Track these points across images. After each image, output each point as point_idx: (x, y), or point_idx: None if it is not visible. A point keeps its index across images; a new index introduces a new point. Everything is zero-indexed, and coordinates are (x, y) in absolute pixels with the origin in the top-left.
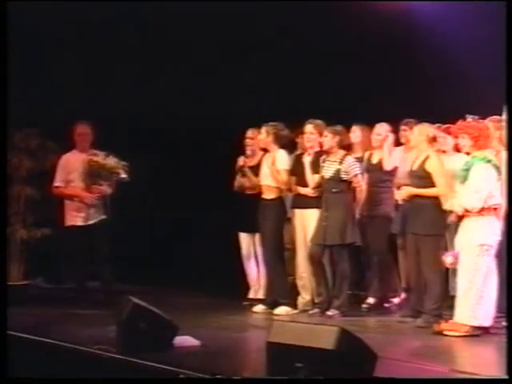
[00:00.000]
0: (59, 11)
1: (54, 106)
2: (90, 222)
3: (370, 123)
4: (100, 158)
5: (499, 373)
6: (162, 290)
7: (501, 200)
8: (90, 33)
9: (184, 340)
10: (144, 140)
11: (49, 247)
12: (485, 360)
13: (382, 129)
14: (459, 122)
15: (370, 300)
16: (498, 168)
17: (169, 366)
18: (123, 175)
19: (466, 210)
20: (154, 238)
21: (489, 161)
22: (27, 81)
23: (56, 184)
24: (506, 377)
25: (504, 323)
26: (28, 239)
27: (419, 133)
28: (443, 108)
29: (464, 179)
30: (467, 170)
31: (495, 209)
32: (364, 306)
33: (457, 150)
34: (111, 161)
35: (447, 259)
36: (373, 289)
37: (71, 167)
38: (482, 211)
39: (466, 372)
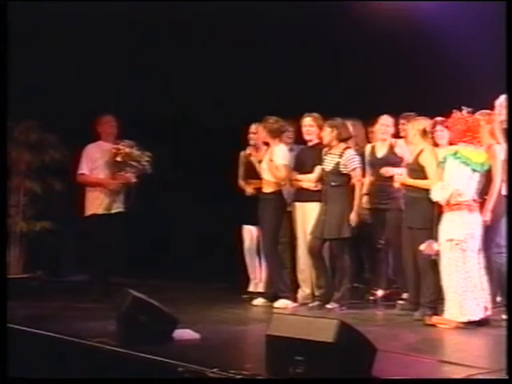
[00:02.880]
0: (60, 4)
1: (54, 99)
2: (112, 212)
3: (369, 118)
4: (126, 146)
5: (498, 365)
6: (161, 283)
7: (470, 197)
8: (92, 26)
9: (183, 333)
10: (147, 135)
11: (49, 240)
12: (484, 353)
13: (389, 120)
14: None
15: (379, 292)
16: (474, 168)
17: (168, 359)
18: (147, 165)
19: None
20: (154, 231)
21: (463, 161)
22: (27, 74)
23: (82, 171)
24: (506, 377)
25: (504, 316)
26: (28, 232)
27: (412, 127)
28: (442, 103)
29: (442, 171)
30: (443, 162)
31: (467, 204)
32: (372, 298)
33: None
34: (136, 150)
35: (421, 246)
36: (382, 281)
37: (96, 156)
38: (449, 205)
39: (465, 365)
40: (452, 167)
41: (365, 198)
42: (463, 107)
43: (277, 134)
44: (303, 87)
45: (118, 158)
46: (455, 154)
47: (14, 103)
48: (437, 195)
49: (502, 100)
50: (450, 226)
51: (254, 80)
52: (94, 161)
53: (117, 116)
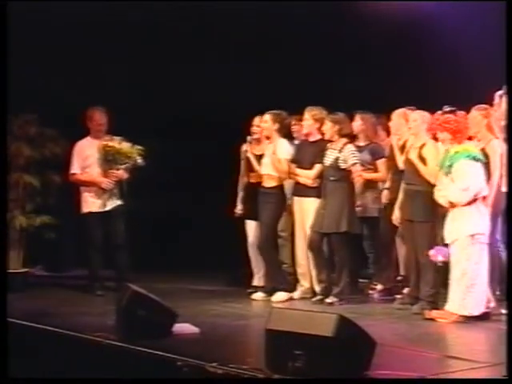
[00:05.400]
0: (60, 3)
1: (54, 93)
2: (107, 208)
3: (371, 112)
4: (116, 142)
5: (497, 359)
6: (161, 278)
7: (488, 190)
8: (91, 21)
9: (183, 327)
10: (146, 129)
11: (48, 235)
12: (483, 346)
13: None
14: (436, 115)
15: (379, 287)
16: (481, 160)
17: (168, 353)
18: (139, 160)
19: (452, 203)
20: (153, 225)
21: (473, 157)
22: (27, 67)
23: (73, 171)
24: (507, 377)
25: (503, 310)
26: (27, 227)
27: (413, 119)
28: (442, 98)
29: (447, 173)
30: (450, 165)
31: (483, 197)
32: (371, 292)
33: None
34: (127, 145)
35: (438, 258)
36: (382, 276)
37: (87, 153)
38: (469, 202)
39: (465, 359)
40: (467, 169)
41: (385, 192)
42: (445, 106)
43: (287, 130)
44: (305, 82)
45: (109, 156)
46: (475, 157)
47: (13, 97)
48: (457, 198)
49: (499, 95)
50: (470, 220)
51: (256, 75)
52: (85, 159)
53: (116, 111)
